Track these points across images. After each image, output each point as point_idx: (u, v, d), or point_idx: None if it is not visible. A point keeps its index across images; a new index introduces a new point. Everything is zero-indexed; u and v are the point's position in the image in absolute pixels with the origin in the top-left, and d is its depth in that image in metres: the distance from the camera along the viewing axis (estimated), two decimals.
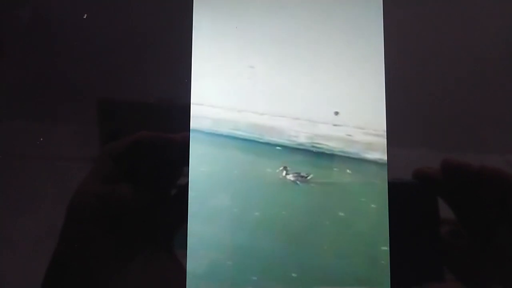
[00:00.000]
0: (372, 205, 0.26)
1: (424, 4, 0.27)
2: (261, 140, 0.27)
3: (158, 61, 0.27)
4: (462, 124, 0.27)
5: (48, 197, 0.26)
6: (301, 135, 0.27)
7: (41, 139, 0.26)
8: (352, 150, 0.26)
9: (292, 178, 0.26)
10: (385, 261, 0.25)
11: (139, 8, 0.27)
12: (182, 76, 0.26)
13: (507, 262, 0.26)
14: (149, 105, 0.27)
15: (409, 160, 0.26)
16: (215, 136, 0.26)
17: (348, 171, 0.26)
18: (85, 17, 0.27)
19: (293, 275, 0.26)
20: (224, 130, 0.27)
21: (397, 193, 0.26)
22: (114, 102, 0.27)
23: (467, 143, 0.27)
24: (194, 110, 0.26)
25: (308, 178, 0.26)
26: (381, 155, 0.26)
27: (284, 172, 0.26)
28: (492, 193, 0.26)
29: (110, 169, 0.26)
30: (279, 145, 0.27)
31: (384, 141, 0.26)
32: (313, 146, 0.27)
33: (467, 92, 0.27)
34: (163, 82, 0.27)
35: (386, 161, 0.26)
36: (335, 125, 0.27)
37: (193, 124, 0.26)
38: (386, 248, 0.26)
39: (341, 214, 0.26)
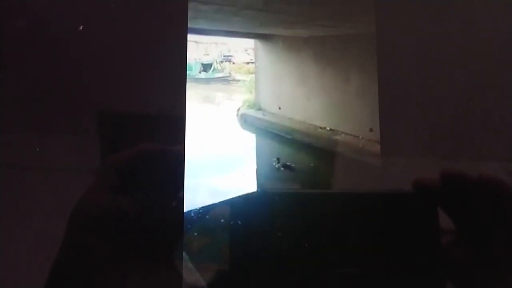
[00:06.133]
0: None
1: (419, 11, 0.28)
2: None
3: (154, 71, 0.27)
4: (460, 131, 0.27)
5: (48, 207, 0.26)
6: None
7: (37, 149, 0.27)
8: None
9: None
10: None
11: (135, 19, 0.28)
12: (177, 85, 0.27)
13: (506, 271, 0.26)
14: (146, 114, 0.27)
15: (405, 169, 0.26)
16: None
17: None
18: (81, 28, 0.27)
19: None
20: None
21: (394, 203, 0.26)
22: (111, 112, 0.27)
23: (465, 151, 0.27)
24: None
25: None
26: None
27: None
28: (491, 203, 0.26)
29: (114, 180, 0.26)
30: None
31: None
32: None
33: (465, 99, 0.27)
34: (159, 91, 0.27)
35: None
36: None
37: None
38: None
39: None
